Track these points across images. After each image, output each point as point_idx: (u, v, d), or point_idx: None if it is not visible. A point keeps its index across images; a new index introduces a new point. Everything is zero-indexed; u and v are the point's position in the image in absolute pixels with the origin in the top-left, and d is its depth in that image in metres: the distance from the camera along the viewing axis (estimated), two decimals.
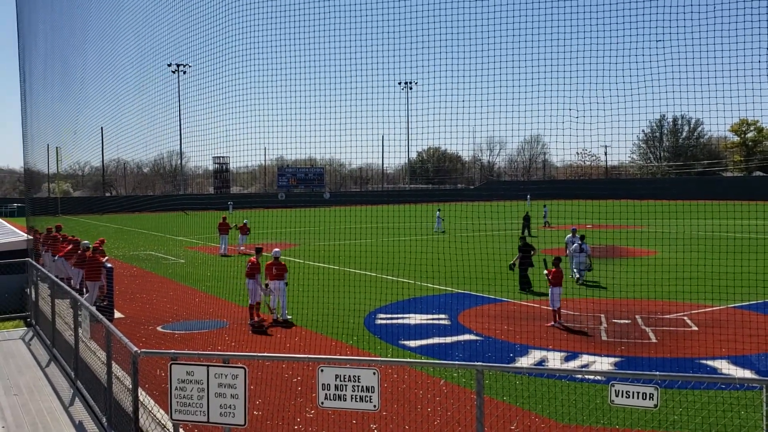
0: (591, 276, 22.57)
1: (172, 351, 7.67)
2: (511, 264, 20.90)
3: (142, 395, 8.57)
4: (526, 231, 37.26)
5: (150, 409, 8.78)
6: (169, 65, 76.15)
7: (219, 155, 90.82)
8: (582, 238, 22.21)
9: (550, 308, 16.05)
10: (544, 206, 51.26)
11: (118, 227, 56.07)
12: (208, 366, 7.04)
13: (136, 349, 7.80)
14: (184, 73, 77.16)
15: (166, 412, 7.90)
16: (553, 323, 15.74)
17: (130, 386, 8.06)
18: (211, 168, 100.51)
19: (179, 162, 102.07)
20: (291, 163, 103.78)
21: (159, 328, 16.16)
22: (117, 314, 17.61)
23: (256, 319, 16.24)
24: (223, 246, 32.55)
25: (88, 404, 10.43)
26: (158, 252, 34.77)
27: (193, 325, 16.45)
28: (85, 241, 19.68)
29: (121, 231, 51.49)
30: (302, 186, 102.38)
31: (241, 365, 7.00)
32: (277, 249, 17.61)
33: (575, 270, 22.05)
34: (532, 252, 20.68)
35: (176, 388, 7.09)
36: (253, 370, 11.14)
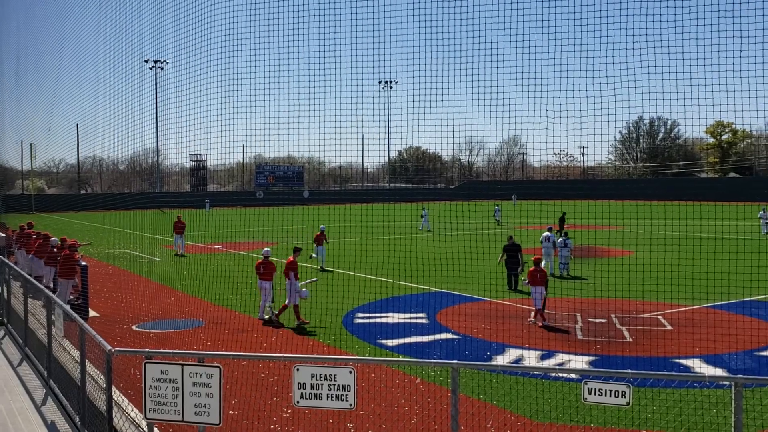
0: (573, 270, 23.79)
1: (147, 350, 7.61)
2: (498, 261, 21.25)
3: (116, 394, 8.50)
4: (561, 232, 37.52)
5: (124, 408, 8.71)
6: (146, 61, 75.66)
7: (196, 152, 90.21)
8: (565, 234, 24.30)
9: (534, 307, 16.05)
10: (497, 206, 51.84)
11: (93, 225, 55.46)
12: (182, 365, 6.99)
13: (110, 347, 7.73)
14: (162, 69, 76.57)
15: (141, 411, 7.84)
16: (531, 320, 15.89)
17: (104, 385, 7.98)
18: (188, 165, 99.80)
19: (156, 159, 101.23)
20: (269, 161, 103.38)
21: (134, 327, 16.02)
22: (92, 313, 17.42)
23: (301, 319, 16.07)
24: (179, 245, 32.02)
25: (61, 404, 10.30)
26: (134, 250, 34.45)
27: (168, 324, 16.33)
28: (54, 238, 19.44)
29: (97, 229, 50.93)
30: (281, 184, 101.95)
31: (216, 364, 6.96)
32: (267, 248, 17.58)
33: (557, 263, 23.77)
34: (519, 253, 20.54)
35: (150, 387, 7.04)
36: (228, 369, 11.08)
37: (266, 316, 16.60)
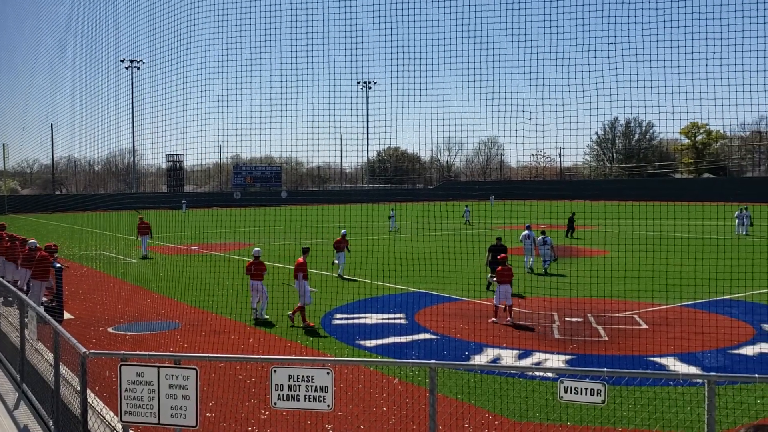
0: (552, 268, 24.52)
1: (122, 352, 7.53)
2: (486, 262, 21.02)
3: (91, 397, 8.40)
4: (570, 232, 37.67)
5: (99, 411, 8.60)
6: (122, 61, 74.96)
7: (173, 153, 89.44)
8: (543, 232, 24.98)
9: (504, 304, 16.12)
10: (466, 206, 52.29)
11: (68, 226, 54.75)
12: (158, 367, 6.93)
13: (84, 350, 7.63)
14: (138, 69, 75.88)
15: (116, 414, 7.76)
16: (494, 319, 15.92)
17: (79, 388, 7.88)
18: (164, 166, 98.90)
19: (132, 160, 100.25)
20: (247, 162, 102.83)
21: (110, 329, 15.84)
22: (66, 315, 17.20)
23: (306, 323, 15.99)
24: (143, 247, 31.49)
25: (35, 407, 10.15)
26: (109, 252, 34.07)
27: (144, 326, 16.17)
28: (32, 240, 19.17)
29: (72, 230, 50.29)
30: (259, 185, 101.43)
31: (192, 366, 6.91)
32: (257, 249, 17.52)
33: (539, 261, 24.56)
34: (505, 253, 19.88)
35: (126, 390, 6.96)
36: (205, 371, 11.01)
37: (266, 316, 16.57)
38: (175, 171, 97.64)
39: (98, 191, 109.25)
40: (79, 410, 7.81)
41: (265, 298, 16.77)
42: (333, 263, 24.27)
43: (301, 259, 16.72)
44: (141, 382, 6.92)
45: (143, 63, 71.39)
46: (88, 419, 7.78)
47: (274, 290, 18.62)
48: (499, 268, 16.36)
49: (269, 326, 15.98)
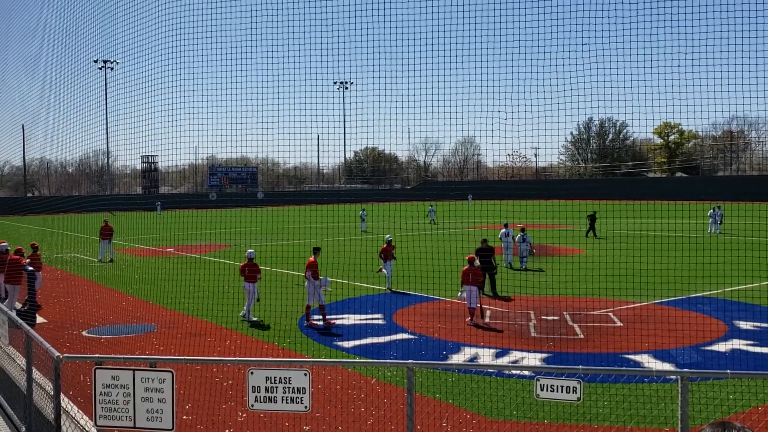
0: (531, 264, 25.37)
1: (97, 356, 7.45)
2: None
3: (64, 402, 8.29)
4: (591, 232, 37.16)
5: (73, 416, 8.49)
6: (96, 61, 74.03)
7: (147, 154, 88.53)
8: (523, 230, 25.72)
9: (469, 306, 16.11)
10: (431, 206, 52.69)
11: (41, 229, 53.94)
12: (134, 370, 6.86)
13: (58, 354, 7.53)
14: (112, 69, 75.01)
15: (91, 419, 7.66)
16: (470, 320, 15.91)
17: (52, 393, 7.77)
18: (139, 167, 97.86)
19: (106, 161, 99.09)
20: (223, 162, 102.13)
21: (84, 333, 15.65)
22: (39, 319, 16.95)
23: (309, 322, 16.12)
24: (108, 251, 30.59)
25: (6, 413, 9.99)
26: (84, 254, 33.63)
27: (119, 329, 15.99)
28: (4, 243, 18.87)
29: (45, 233, 49.56)
30: (235, 186, 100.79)
31: (168, 369, 6.85)
32: (251, 250, 17.45)
33: (518, 259, 25.24)
34: (492, 255, 19.84)
35: (101, 394, 6.89)
36: (182, 374, 10.92)
37: (254, 318, 16.48)
38: (150, 172, 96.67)
39: (72, 193, 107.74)
40: (53, 415, 7.70)
41: (254, 299, 16.67)
42: (379, 270, 21.61)
43: (312, 258, 16.81)
44: (116, 386, 6.84)
45: (117, 63, 70.65)
46: (62, 424, 7.68)
47: (233, 295, 18.49)
48: (465, 267, 16.30)
49: (261, 328, 15.88)
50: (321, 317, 16.21)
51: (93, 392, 6.92)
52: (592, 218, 37.36)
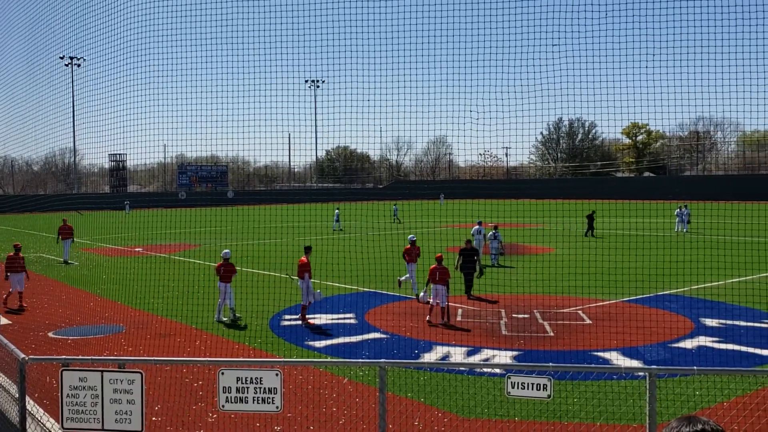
0: (503, 261, 25.96)
1: (64, 357, 7.32)
2: (456, 266, 19.18)
3: (30, 405, 8.13)
4: (590, 231, 36.99)
5: (39, 418, 8.33)
6: (62, 58, 72.74)
7: (115, 152, 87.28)
8: (495, 228, 26.14)
9: (437, 305, 16.04)
10: (394, 205, 53.14)
11: (5, 228, 52.86)
12: (102, 371, 6.76)
13: (23, 355, 7.39)
14: (78, 66, 73.75)
15: (57, 422, 7.53)
16: (428, 319, 15.88)
17: (17, 395, 7.62)
18: (106, 166, 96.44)
19: (72, 160, 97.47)
20: (192, 161, 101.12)
21: (50, 334, 15.37)
22: (3, 320, 16.62)
23: (305, 321, 16.07)
24: (65, 252, 29.54)
25: None
26: (49, 254, 33.01)
27: (87, 330, 15.74)
28: None
29: (9, 232, 48.57)
30: (204, 184, 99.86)
31: (137, 370, 6.76)
32: (227, 250, 17.27)
33: (489, 257, 25.52)
34: (476, 257, 19.21)
35: (68, 396, 6.77)
36: (151, 375, 10.79)
37: (224, 319, 16.30)
38: (118, 171, 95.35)
39: (37, 192, 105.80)
40: (18, 418, 7.55)
41: (230, 300, 16.49)
42: (401, 280, 19.56)
43: (304, 258, 16.74)
44: (84, 388, 6.73)
45: (84, 60, 69.49)
46: (27, 428, 7.53)
47: (203, 295, 18.33)
48: (432, 266, 16.31)
49: (232, 328, 15.73)
50: (300, 316, 16.19)
51: (60, 394, 6.80)
52: (591, 218, 37.22)
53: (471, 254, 19.14)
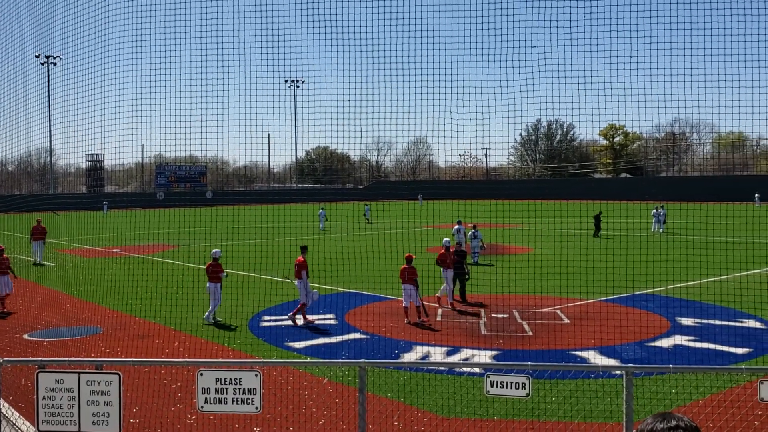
0: (483, 259, 26.53)
1: (40, 359, 7.24)
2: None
3: (5, 407, 8.04)
4: (597, 231, 36.78)
5: (14, 422, 8.24)
6: (38, 56, 71.77)
7: (92, 152, 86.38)
8: (474, 227, 26.89)
9: (409, 305, 16.03)
10: (366, 205, 53.54)
11: None
12: (79, 373, 6.70)
13: None
14: (55, 65, 72.87)
15: (33, 424, 7.45)
16: (408, 320, 15.89)
17: None
18: (83, 166, 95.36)
19: (49, 159, 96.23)
20: (171, 161, 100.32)
21: (25, 336, 15.17)
22: None
23: (306, 320, 16.05)
24: (39, 253, 29.01)
25: None
26: (25, 255, 32.56)
27: (63, 332, 15.56)
28: None
29: None
30: (183, 185, 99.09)
31: (115, 371, 6.71)
32: (216, 250, 17.14)
33: (469, 256, 25.08)
34: (464, 260, 18.79)
35: (44, 398, 6.69)
36: (129, 376, 10.70)
37: (218, 319, 16.17)
38: (96, 171, 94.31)
39: (12, 192, 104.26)
40: None
41: (217, 300, 16.35)
42: (440, 292, 18.08)
43: (300, 258, 16.67)
44: (60, 389, 6.66)
45: (60, 59, 68.63)
46: (2, 430, 7.44)
47: (181, 296, 18.24)
48: (402, 266, 16.33)
49: (212, 329, 15.63)
50: (301, 315, 16.16)
51: (36, 397, 6.72)
52: (598, 218, 37.07)
53: (460, 259, 18.62)
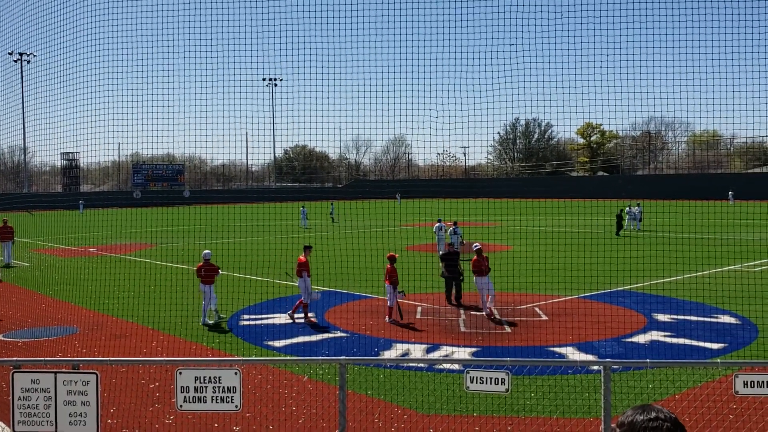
0: (462, 255, 25.73)
1: (15, 359, 7.14)
2: (441, 273, 18.31)
3: None
4: (619, 230, 36.74)
5: None
6: (11, 53, 70.68)
7: (68, 151, 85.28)
8: (454, 223, 27.52)
9: (388, 305, 16.00)
10: (331, 204, 53.82)
11: None
12: (56, 373, 6.61)
13: None
14: (28, 62, 71.79)
15: (8, 425, 7.34)
16: (387, 318, 15.84)
17: None
18: (59, 164, 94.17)
19: (22, 158, 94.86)
20: (147, 160, 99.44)
21: (0, 337, 14.94)
22: None
23: (307, 318, 16.04)
24: (6, 254, 28.18)
25: None
26: None
27: (39, 332, 15.35)
28: None
29: None
30: (160, 183, 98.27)
31: (92, 371, 6.64)
32: (207, 251, 16.90)
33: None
34: (458, 261, 18.41)
35: (20, 399, 6.60)
36: (106, 376, 10.59)
37: (210, 321, 15.93)
38: (71, 170, 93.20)
39: None
40: None
41: (213, 302, 16.11)
42: (487, 304, 16.51)
43: (302, 257, 16.59)
44: (36, 390, 6.58)
45: (34, 56, 67.64)
46: None
47: (159, 295, 18.10)
48: (387, 266, 16.37)
49: (191, 329, 15.50)
50: (303, 312, 16.14)
51: (11, 397, 6.63)
52: (620, 216, 37.24)
53: (454, 259, 18.28)
